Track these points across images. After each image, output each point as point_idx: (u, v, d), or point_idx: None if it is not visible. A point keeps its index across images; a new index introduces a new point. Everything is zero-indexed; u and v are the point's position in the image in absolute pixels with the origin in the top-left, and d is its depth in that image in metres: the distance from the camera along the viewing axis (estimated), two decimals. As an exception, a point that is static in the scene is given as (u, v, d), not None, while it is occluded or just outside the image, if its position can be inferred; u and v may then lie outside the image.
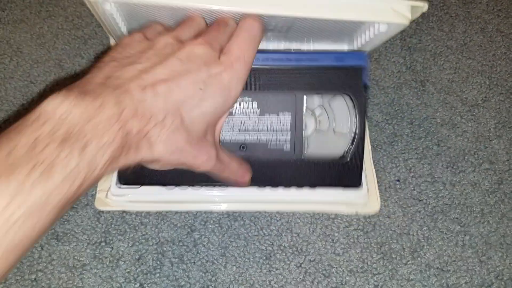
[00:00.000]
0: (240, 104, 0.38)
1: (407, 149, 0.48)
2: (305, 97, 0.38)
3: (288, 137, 0.38)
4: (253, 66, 0.35)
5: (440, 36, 0.57)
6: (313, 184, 0.38)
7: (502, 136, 0.50)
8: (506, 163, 0.48)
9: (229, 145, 0.38)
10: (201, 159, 0.32)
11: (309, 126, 0.40)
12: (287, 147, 0.38)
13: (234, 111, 0.38)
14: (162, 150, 0.29)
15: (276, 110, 0.38)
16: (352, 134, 0.39)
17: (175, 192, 0.41)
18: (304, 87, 0.38)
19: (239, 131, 0.38)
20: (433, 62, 0.55)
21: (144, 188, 0.42)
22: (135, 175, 0.38)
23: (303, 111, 0.38)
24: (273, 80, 0.38)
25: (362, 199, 0.43)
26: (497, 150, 0.49)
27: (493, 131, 0.50)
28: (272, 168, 0.38)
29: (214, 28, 0.34)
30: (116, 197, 0.42)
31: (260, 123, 0.38)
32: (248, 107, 0.38)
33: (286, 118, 0.38)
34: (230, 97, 0.32)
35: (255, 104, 0.38)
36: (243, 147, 0.38)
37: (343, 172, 0.38)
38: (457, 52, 0.56)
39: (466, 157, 0.48)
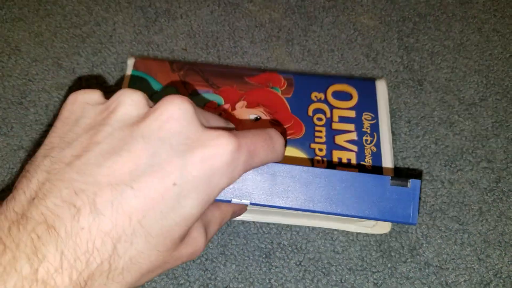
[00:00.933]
0: None
1: (405, 147, 0.49)
2: None
3: None
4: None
5: (437, 36, 0.57)
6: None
7: (500, 135, 0.50)
8: (504, 161, 0.48)
9: None
10: (185, 259, 0.26)
11: None
12: None
13: None
14: (128, 280, 0.22)
15: None
16: None
17: None
18: None
19: None
20: (431, 61, 0.55)
21: None
22: None
23: None
24: None
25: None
26: (495, 149, 0.49)
27: (490, 130, 0.50)
28: None
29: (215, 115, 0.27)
30: None
31: None
32: None
33: None
34: (216, 188, 0.24)
35: None
36: None
37: None
38: (454, 52, 0.56)
39: (464, 156, 0.48)
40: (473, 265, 0.42)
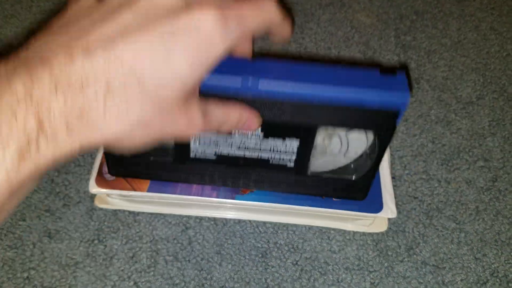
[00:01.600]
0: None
1: (402, 146, 0.48)
2: (320, 128, 0.34)
3: (293, 158, 0.35)
4: (264, 98, 0.31)
5: (434, 34, 0.57)
6: (315, 194, 0.38)
7: (496, 134, 0.50)
8: (501, 160, 0.48)
9: (227, 158, 0.36)
10: (182, 128, 0.26)
11: (319, 149, 0.36)
12: (291, 165, 0.36)
13: (233, 131, 0.34)
14: (115, 127, 0.23)
15: (282, 135, 0.34)
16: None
17: (175, 198, 0.40)
18: (320, 122, 0.33)
19: (238, 148, 0.35)
20: (428, 59, 0.55)
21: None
22: (127, 167, 0.38)
23: (313, 143, 0.34)
24: (286, 111, 0.32)
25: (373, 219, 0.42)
26: (492, 148, 0.49)
27: (487, 129, 0.50)
28: (271, 178, 0.37)
29: None
30: (117, 196, 0.41)
31: (262, 145, 0.35)
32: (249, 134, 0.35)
33: (292, 144, 0.34)
34: (211, 55, 0.25)
35: (258, 129, 0.34)
36: (241, 162, 0.36)
37: (350, 187, 0.38)
38: (451, 50, 0.56)
39: (461, 155, 0.48)
40: (469, 264, 0.42)
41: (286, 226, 0.43)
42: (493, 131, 0.50)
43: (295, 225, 0.43)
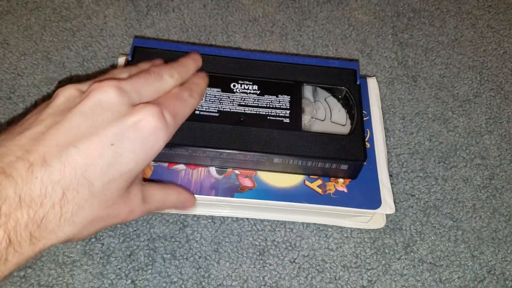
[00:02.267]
0: (241, 85, 0.41)
1: (399, 144, 0.48)
2: (304, 85, 0.42)
3: (287, 113, 0.40)
4: (259, 59, 0.43)
5: (431, 32, 0.57)
6: (314, 156, 0.38)
7: (493, 132, 0.50)
8: (497, 158, 0.48)
9: (229, 114, 0.39)
10: (123, 217, 0.30)
11: (307, 112, 0.42)
12: (286, 120, 0.40)
13: (235, 90, 0.41)
14: (69, 231, 0.26)
15: (276, 93, 0.41)
16: (349, 126, 0.42)
17: None
18: (304, 79, 0.42)
19: (239, 105, 0.40)
20: (425, 57, 0.55)
21: None
22: None
23: (301, 96, 0.41)
24: (276, 71, 0.42)
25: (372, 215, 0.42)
26: (488, 146, 0.49)
27: (484, 127, 0.50)
28: (271, 137, 0.39)
29: (141, 76, 0.31)
30: None
31: (259, 101, 0.41)
32: (248, 88, 0.41)
33: (285, 99, 0.41)
34: (153, 150, 0.29)
35: (255, 86, 0.41)
36: (242, 118, 0.39)
37: (345, 145, 0.39)
38: (449, 48, 0.56)
39: (457, 152, 0.48)
40: (467, 262, 0.42)
41: (283, 224, 0.43)
42: (490, 129, 0.50)
43: (293, 223, 0.43)
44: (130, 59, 0.41)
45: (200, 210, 0.42)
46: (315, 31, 0.56)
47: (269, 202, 0.40)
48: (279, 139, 0.38)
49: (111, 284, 0.39)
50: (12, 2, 0.54)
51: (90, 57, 0.51)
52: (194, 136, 0.37)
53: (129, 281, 0.39)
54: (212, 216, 0.43)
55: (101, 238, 0.41)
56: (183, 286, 0.39)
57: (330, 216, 0.42)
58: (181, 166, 0.41)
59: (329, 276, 0.41)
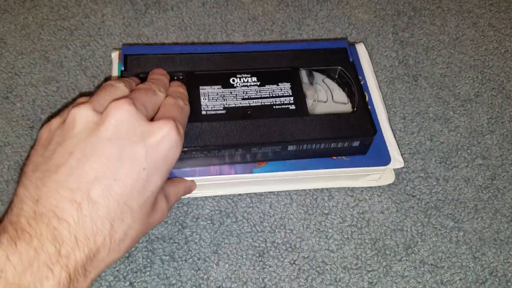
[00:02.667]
0: (240, 79, 0.42)
1: (400, 144, 0.48)
2: (301, 70, 0.43)
3: (291, 100, 0.41)
4: (252, 50, 0.44)
5: (432, 30, 0.57)
6: (327, 137, 0.39)
7: (495, 131, 0.49)
8: (499, 158, 0.48)
9: (235, 110, 0.40)
10: (157, 222, 0.33)
11: (309, 96, 0.43)
12: (292, 106, 0.41)
13: (235, 85, 0.41)
14: (117, 256, 0.29)
15: (275, 82, 0.42)
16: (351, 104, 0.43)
17: (196, 180, 0.41)
18: (299, 65, 0.44)
19: (243, 99, 0.41)
20: (426, 56, 0.54)
21: None
22: None
23: (300, 81, 0.42)
24: (270, 60, 0.43)
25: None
26: (490, 145, 0.49)
27: (486, 126, 0.50)
28: (281, 126, 0.39)
29: (141, 91, 0.33)
30: None
31: (262, 92, 0.41)
32: (248, 81, 0.42)
33: (285, 86, 0.42)
34: (173, 162, 0.31)
35: (254, 78, 0.42)
36: (248, 111, 0.40)
37: (353, 123, 0.40)
38: (450, 47, 0.55)
39: (459, 152, 0.48)
40: (468, 264, 0.42)
41: (283, 225, 0.42)
42: (492, 128, 0.50)
43: (293, 224, 0.42)
44: (123, 69, 0.41)
45: (222, 190, 0.43)
46: (315, 30, 0.55)
47: (286, 173, 0.41)
48: (289, 127, 0.39)
49: (109, 286, 0.38)
50: (9, 1, 0.54)
51: (88, 56, 0.51)
52: (206, 137, 0.38)
53: (127, 283, 0.39)
54: (211, 216, 0.42)
55: (99, 239, 0.40)
56: (182, 288, 0.39)
57: (344, 179, 0.44)
58: None
59: (329, 278, 0.40)
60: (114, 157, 0.28)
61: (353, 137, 0.39)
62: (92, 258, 0.26)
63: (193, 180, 0.40)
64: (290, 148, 0.39)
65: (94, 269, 0.27)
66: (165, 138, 0.29)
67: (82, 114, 0.29)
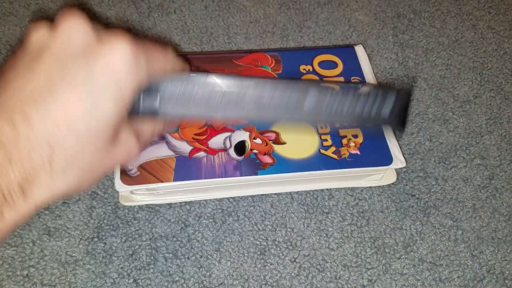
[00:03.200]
0: None
1: (399, 144, 0.48)
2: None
3: None
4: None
5: (432, 33, 0.57)
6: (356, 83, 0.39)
7: (493, 132, 0.50)
8: (497, 158, 0.48)
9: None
10: (122, 159, 0.30)
11: None
12: None
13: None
14: (63, 184, 0.26)
15: None
16: None
17: (201, 183, 0.41)
18: None
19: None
20: (425, 58, 0.55)
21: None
22: None
23: None
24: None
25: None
26: (488, 146, 0.49)
27: (484, 127, 0.50)
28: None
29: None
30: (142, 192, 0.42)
31: None
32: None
33: None
34: (126, 87, 0.26)
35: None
36: None
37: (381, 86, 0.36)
38: (449, 49, 0.56)
39: (458, 153, 0.49)
40: (466, 262, 0.43)
41: (284, 223, 0.43)
42: (490, 129, 0.50)
43: (294, 223, 0.43)
44: None
45: (226, 193, 0.44)
46: (316, 32, 0.56)
47: (291, 174, 0.42)
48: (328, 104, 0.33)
49: (113, 283, 0.39)
50: (14, 4, 0.55)
51: (92, 58, 0.52)
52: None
53: (131, 280, 0.39)
54: (213, 215, 0.43)
55: (104, 237, 0.41)
56: (184, 285, 0.40)
57: (347, 179, 0.45)
58: (202, 154, 0.42)
59: (329, 276, 0.41)
60: (54, 76, 0.25)
61: (389, 89, 0.33)
62: (30, 180, 0.25)
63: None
64: (308, 102, 0.32)
65: (37, 193, 0.25)
66: (116, 58, 0.26)
67: (36, 31, 0.27)
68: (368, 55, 0.54)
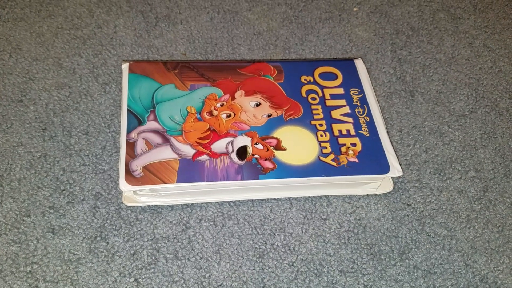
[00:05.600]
0: None
1: (396, 155, 0.50)
2: None
3: None
4: None
5: (429, 49, 0.59)
6: None
7: (488, 146, 0.52)
8: (491, 171, 0.50)
9: None
10: None
11: None
12: None
13: None
14: None
15: None
16: None
17: (203, 185, 0.42)
18: None
19: None
20: (422, 73, 0.57)
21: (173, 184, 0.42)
22: None
23: None
24: None
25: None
26: (483, 159, 0.51)
27: (479, 141, 0.52)
28: None
29: None
30: (146, 192, 0.43)
31: None
32: None
33: None
34: None
35: None
36: None
37: None
38: (446, 65, 0.58)
39: (453, 165, 0.50)
40: (460, 270, 0.43)
41: (283, 228, 0.44)
42: (485, 143, 0.52)
43: (292, 228, 0.44)
44: None
45: (227, 196, 0.45)
46: (317, 46, 0.58)
47: (291, 179, 0.43)
48: None
49: (114, 282, 0.40)
50: (26, 10, 0.56)
51: (100, 64, 0.53)
52: None
53: (132, 279, 0.40)
54: (213, 218, 0.44)
55: (106, 237, 0.42)
56: (184, 285, 0.40)
57: (345, 186, 0.46)
58: (205, 157, 0.43)
59: (326, 280, 0.42)
60: None
61: None
62: None
63: None
64: None
65: None
66: None
67: None
68: (367, 68, 0.56)
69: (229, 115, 0.46)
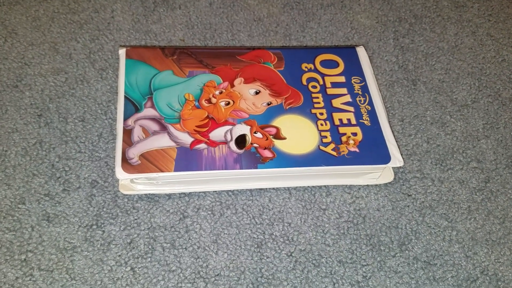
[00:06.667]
0: None
1: (397, 145, 0.49)
2: None
3: None
4: None
5: (432, 38, 0.58)
6: None
7: (490, 136, 0.51)
8: (493, 162, 0.49)
9: None
10: None
11: None
12: None
13: None
14: None
15: None
16: None
17: (201, 174, 0.41)
18: None
19: None
20: (425, 62, 0.56)
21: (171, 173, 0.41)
22: None
23: None
24: None
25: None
26: (485, 150, 0.50)
27: (481, 131, 0.51)
28: None
29: None
30: (142, 181, 0.42)
31: None
32: None
33: None
34: None
35: None
36: None
37: None
38: (448, 54, 0.57)
39: (454, 155, 0.49)
40: (460, 262, 0.43)
41: (281, 218, 0.43)
42: (487, 133, 0.51)
43: (291, 218, 0.43)
44: None
45: (225, 185, 0.44)
46: (318, 33, 0.57)
47: (290, 169, 0.42)
48: None
49: (110, 271, 0.39)
50: (21, -6, 0.55)
51: (97, 49, 0.52)
52: None
53: (129, 268, 0.40)
54: (211, 207, 0.43)
55: (102, 225, 0.41)
56: (181, 275, 0.40)
57: (345, 176, 0.45)
58: (203, 145, 0.42)
59: (324, 271, 0.41)
60: None
61: None
62: None
63: None
64: None
65: None
66: None
67: None
68: (369, 56, 0.55)
69: (228, 103, 0.45)
